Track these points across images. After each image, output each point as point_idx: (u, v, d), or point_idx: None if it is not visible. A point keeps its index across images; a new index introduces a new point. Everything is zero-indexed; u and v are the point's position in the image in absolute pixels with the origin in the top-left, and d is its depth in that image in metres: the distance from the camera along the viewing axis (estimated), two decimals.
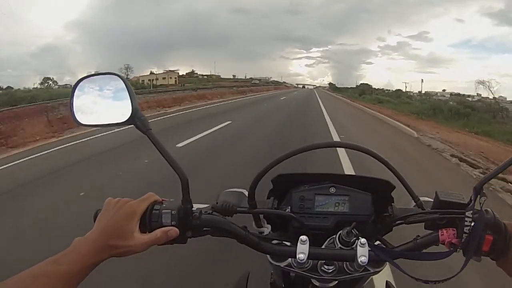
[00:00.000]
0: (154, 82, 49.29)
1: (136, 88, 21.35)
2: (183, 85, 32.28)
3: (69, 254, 0.43)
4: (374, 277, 0.61)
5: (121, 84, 0.53)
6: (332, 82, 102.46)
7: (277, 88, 59.82)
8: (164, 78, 54.68)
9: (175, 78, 56.92)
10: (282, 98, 23.76)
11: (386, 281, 0.76)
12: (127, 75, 50.75)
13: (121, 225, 0.46)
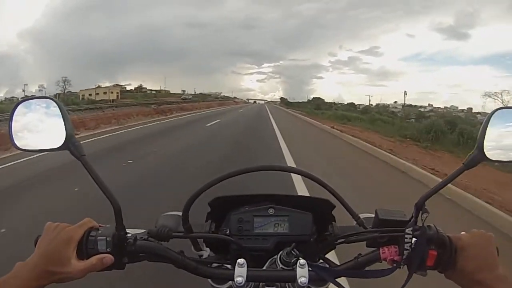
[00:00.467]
0: (93, 97, 46.93)
1: (67, 104, 20.43)
2: (112, 102, 31.23)
3: (11, 279, 0.44)
4: None
5: (57, 109, 0.53)
6: (283, 96, 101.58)
7: (222, 104, 49.83)
8: (105, 93, 51.93)
9: (117, 93, 54.24)
10: (215, 121, 14.43)
11: None
12: (65, 88, 48.88)
13: (59, 251, 0.46)
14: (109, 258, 0.48)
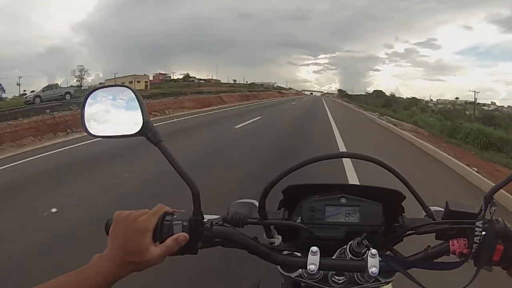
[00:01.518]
0: None
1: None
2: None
3: (92, 268, 0.45)
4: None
5: (132, 95, 0.54)
6: (341, 88, 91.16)
7: (259, 97, 34.78)
8: (131, 82, 45.00)
9: (146, 82, 48.73)
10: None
11: None
12: (82, 78, 41.08)
13: (136, 242, 0.47)
14: (183, 236, 0.49)
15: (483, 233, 0.47)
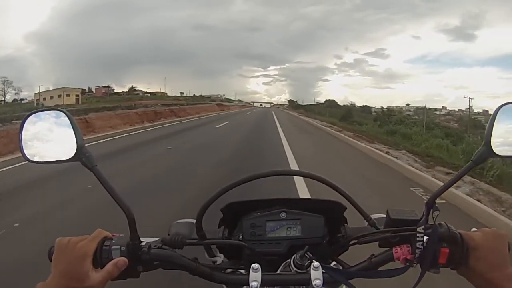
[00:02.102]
0: (43, 101, 38.30)
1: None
2: None
3: None
4: None
5: (67, 120, 0.54)
6: (292, 99, 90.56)
7: (179, 114, 20.31)
8: (59, 96, 42.96)
9: (76, 96, 45.85)
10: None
11: None
12: (5, 91, 39.25)
13: (76, 268, 0.46)
14: (122, 260, 0.49)
15: (425, 238, 0.48)
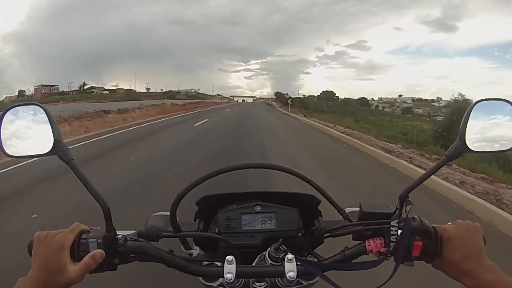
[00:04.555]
0: None
1: None
2: None
3: None
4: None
5: (44, 115, 0.54)
6: (279, 91, 77.61)
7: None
8: None
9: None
10: None
11: None
12: None
13: (54, 260, 0.47)
14: (99, 252, 0.49)
15: (399, 231, 0.49)
